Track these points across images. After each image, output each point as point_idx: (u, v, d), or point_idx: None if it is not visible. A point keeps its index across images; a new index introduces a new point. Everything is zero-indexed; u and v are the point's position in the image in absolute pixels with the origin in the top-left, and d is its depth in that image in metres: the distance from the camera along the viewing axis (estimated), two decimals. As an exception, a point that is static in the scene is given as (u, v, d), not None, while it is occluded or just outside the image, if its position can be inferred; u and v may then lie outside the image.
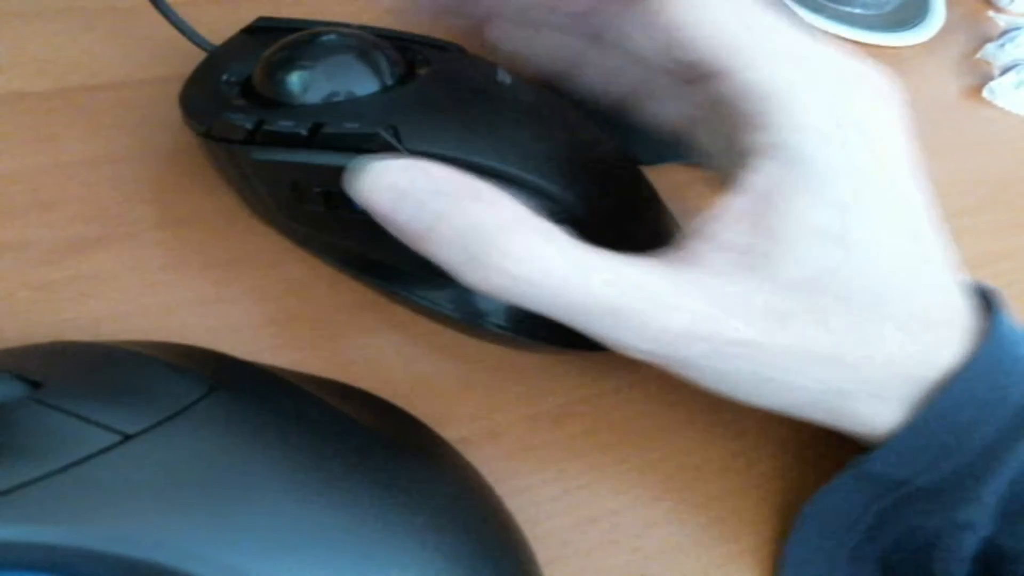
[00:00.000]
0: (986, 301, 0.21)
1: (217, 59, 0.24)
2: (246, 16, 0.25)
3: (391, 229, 0.19)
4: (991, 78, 0.40)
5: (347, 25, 0.23)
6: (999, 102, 0.39)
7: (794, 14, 0.35)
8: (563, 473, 0.22)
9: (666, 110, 0.25)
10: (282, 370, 0.19)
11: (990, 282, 0.22)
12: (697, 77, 0.23)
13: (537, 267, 0.18)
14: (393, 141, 0.19)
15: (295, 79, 0.21)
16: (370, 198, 0.18)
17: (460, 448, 0.20)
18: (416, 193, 0.18)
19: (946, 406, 0.19)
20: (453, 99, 0.20)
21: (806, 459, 0.24)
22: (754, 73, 0.19)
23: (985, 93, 0.39)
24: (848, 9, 0.40)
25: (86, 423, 0.15)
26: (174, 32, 0.25)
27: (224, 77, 0.22)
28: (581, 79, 0.26)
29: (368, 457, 0.18)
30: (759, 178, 0.19)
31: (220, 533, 0.15)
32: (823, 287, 0.19)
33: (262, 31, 0.24)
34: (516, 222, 0.18)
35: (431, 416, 0.21)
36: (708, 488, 0.23)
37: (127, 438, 0.15)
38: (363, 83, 0.21)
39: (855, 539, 0.21)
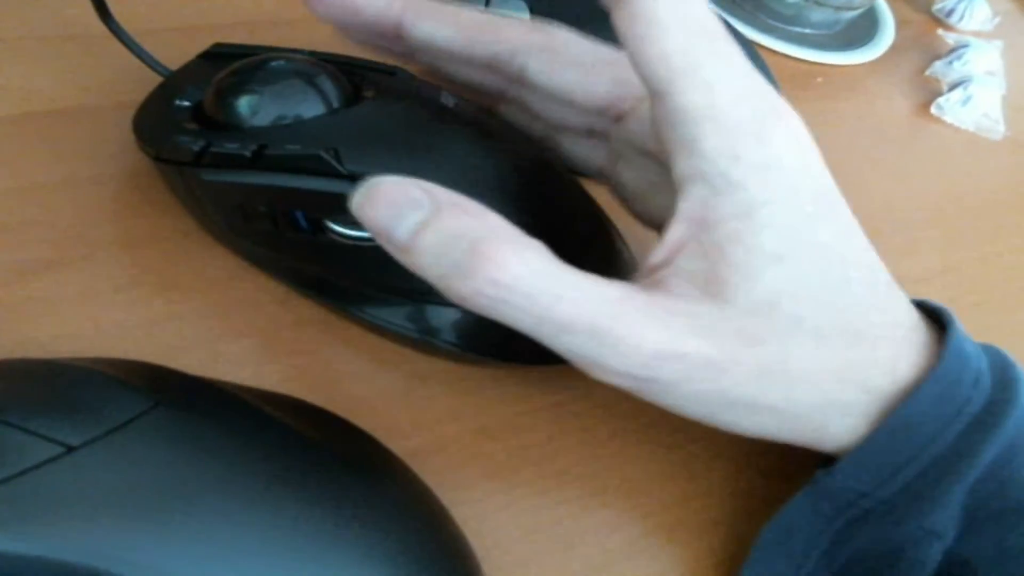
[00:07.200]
0: (937, 316, 0.22)
1: (172, 84, 0.24)
2: (205, 43, 0.25)
3: (381, 242, 0.19)
4: (939, 94, 0.41)
5: (298, 51, 0.24)
6: (947, 118, 0.40)
7: (743, 40, 0.36)
8: (509, 484, 0.23)
9: (588, 148, 0.26)
10: (229, 384, 0.20)
11: (936, 295, 0.23)
12: (623, 113, 0.24)
13: (521, 278, 0.18)
14: (334, 162, 0.20)
15: (243, 103, 0.21)
16: (363, 212, 0.18)
17: (408, 460, 0.21)
18: (405, 206, 0.18)
19: (907, 417, 0.20)
20: (396, 121, 0.21)
21: (756, 471, 0.25)
22: (689, 98, 0.19)
23: (933, 109, 0.40)
24: (799, 29, 0.41)
25: (31, 435, 0.16)
26: (133, 59, 0.25)
27: (177, 101, 0.23)
28: (506, 114, 0.26)
29: (313, 469, 0.18)
30: (694, 204, 0.19)
31: (160, 542, 0.16)
32: (780, 309, 0.19)
33: (218, 56, 0.25)
34: (503, 232, 0.18)
35: (379, 429, 0.21)
36: (654, 497, 0.23)
37: (70, 450, 0.16)
38: (310, 106, 0.22)
39: (812, 563, 0.21)
